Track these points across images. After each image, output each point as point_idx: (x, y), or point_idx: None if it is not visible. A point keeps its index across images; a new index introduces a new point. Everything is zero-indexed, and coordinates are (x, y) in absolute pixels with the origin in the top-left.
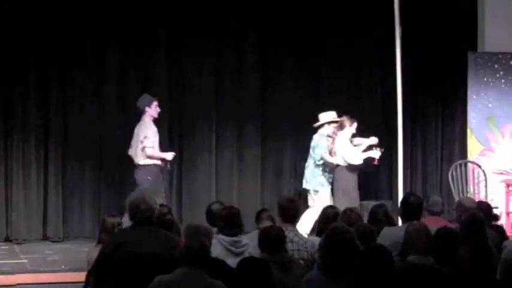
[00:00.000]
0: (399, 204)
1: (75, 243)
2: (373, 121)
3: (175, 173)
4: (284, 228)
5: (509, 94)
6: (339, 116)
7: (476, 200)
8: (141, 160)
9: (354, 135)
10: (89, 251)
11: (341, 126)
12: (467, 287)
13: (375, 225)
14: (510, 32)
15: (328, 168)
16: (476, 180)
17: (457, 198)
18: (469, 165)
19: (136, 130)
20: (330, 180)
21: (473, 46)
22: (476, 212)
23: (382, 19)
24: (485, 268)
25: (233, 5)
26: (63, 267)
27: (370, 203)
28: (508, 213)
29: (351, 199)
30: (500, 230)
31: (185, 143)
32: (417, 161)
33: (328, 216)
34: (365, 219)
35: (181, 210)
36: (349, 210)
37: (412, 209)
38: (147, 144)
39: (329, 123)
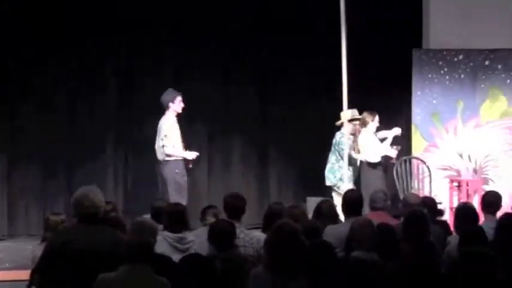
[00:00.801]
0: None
1: (20, 241)
2: (318, 116)
3: (121, 170)
4: None
5: (454, 90)
6: (360, 112)
7: (421, 196)
8: (162, 157)
9: (378, 129)
10: (33, 248)
11: (364, 123)
12: (410, 282)
13: (320, 221)
14: (454, 29)
15: (353, 165)
16: (420, 176)
17: (401, 194)
18: (414, 161)
19: (159, 125)
20: (353, 176)
21: (418, 43)
22: (419, 207)
23: (328, 16)
24: (428, 263)
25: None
26: (7, 265)
27: (316, 199)
28: (451, 209)
29: None
30: (445, 225)
31: (134, 138)
32: None
33: (273, 212)
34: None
35: (127, 206)
36: (294, 207)
37: (352, 204)
38: (165, 143)
39: (350, 121)
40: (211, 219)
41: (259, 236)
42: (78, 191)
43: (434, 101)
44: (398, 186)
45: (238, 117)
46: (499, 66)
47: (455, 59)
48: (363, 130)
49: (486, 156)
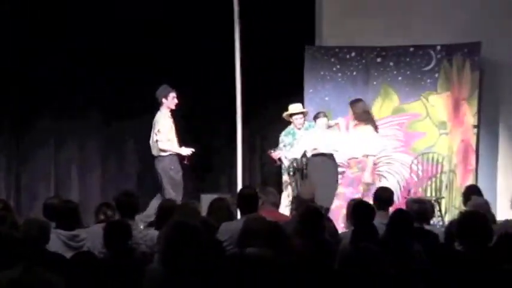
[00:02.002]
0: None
1: None
2: (214, 115)
3: (14, 168)
4: None
5: (346, 87)
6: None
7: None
8: (157, 152)
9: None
10: None
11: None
12: (303, 278)
13: (214, 219)
14: (347, 27)
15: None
16: None
17: (295, 191)
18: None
19: (154, 120)
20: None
21: (311, 40)
22: (312, 204)
23: (221, 14)
24: (322, 259)
25: None
26: None
27: (211, 197)
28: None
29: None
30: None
31: (25, 135)
32: (256, 155)
33: (164, 209)
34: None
35: (20, 205)
36: (186, 204)
37: (247, 201)
38: (159, 138)
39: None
40: (104, 217)
41: (153, 233)
42: None
43: (326, 98)
44: (291, 184)
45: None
46: (391, 64)
47: (348, 56)
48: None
49: (379, 153)
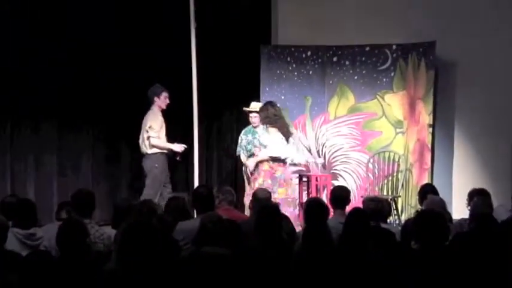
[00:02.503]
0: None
1: None
2: (170, 115)
3: None
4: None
5: (302, 86)
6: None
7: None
8: (147, 149)
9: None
10: None
11: None
12: (259, 277)
13: (171, 218)
14: (302, 26)
15: None
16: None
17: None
18: None
19: (144, 119)
20: None
21: (267, 39)
22: (269, 202)
23: (177, 10)
24: (279, 258)
25: None
26: None
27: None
28: (301, 204)
29: None
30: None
31: None
32: (212, 154)
33: (121, 208)
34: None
35: None
36: (143, 203)
37: (202, 199)
38: (151, 134)
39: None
40: (65, 216)
41: (110, 232)
42: None
43: (282, 97)
44: (246, 183)
45: (86, 115)
46: (347, 63)
47: (304, 55)
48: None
49: (335, 152)
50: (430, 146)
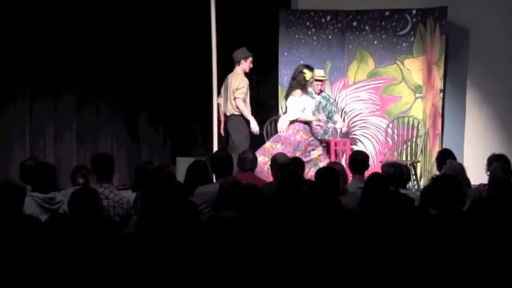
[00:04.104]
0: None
1: None
2: (190, 79)
3: None
4: (99, 186)
5: (321, 51)
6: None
7: (290, 156)
8: (233, 110)
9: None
10: None
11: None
12: (280, 240)
13: (192, 182)
14: None
15: None
16: None
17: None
18: None
19: (228, 80)
20: None
21: (286, 4)
22: (291, 167)
23: None
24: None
25: None
26: None
27: (188, 160)
28: None
29: None
30: None
31: None
32: None
33: (142, 171)
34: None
35: None
36: (161, 167)
37: (221, 164)
38: (237, 96)
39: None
40: (81, 180)
41: (129, 196)
42: None
43: (301, 62)
44: None
45: (106, 80)
46: (367, 27)
47: (323, 20)
48: None
49: (354, 117)
50: (440, 111)
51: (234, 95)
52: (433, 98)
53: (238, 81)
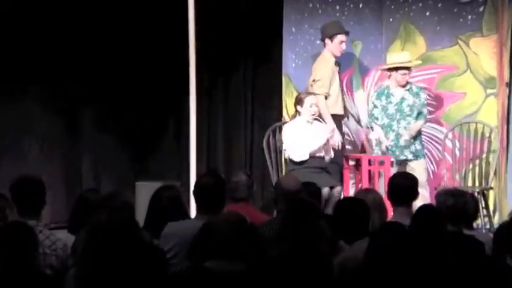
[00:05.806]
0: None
1: None
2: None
3: None
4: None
5: (347, 26)
6: None
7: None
8: None
9: None
10: None
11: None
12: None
13: (158, 218)
14: None
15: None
16: None
17: (274, 175)
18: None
19: (313, 66)
20: None
21: None
22: (301, 196)
23: None
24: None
25: None
26: None
27: (151, 185)
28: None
29: None
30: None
31: None
32: (217, 126)
33: (86, 203)
34: None
35: None
36: (113, 196)
37: (207, 194)
38: (317, 90)
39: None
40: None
41: (66, 239)
42: None
43: (317, 42)
44: (269, 164)
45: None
46: None
47: None
48: None
49: None
50: (506, 113)
51: (312, 88)
52: (502, 95)
53: (319, 70)
